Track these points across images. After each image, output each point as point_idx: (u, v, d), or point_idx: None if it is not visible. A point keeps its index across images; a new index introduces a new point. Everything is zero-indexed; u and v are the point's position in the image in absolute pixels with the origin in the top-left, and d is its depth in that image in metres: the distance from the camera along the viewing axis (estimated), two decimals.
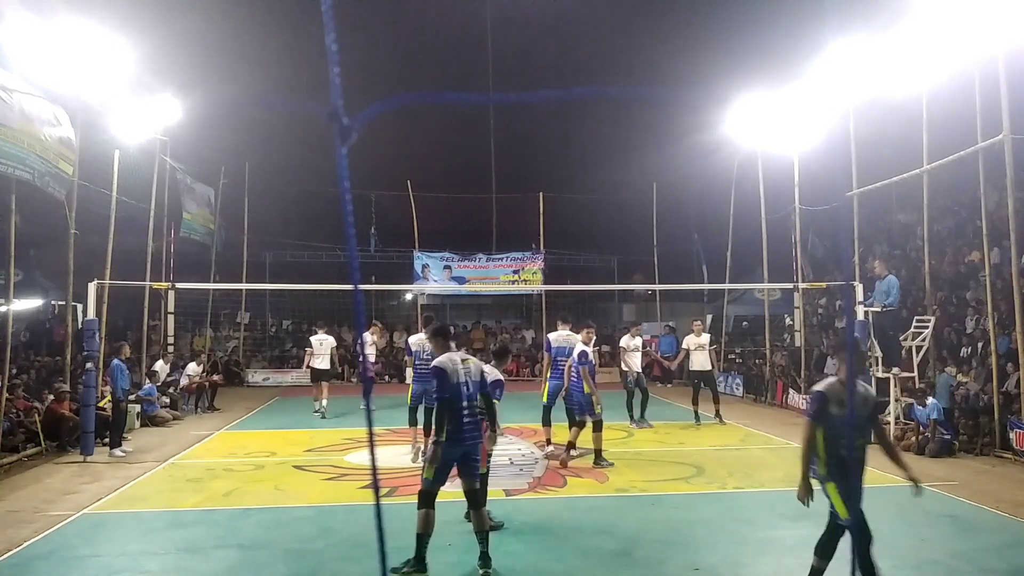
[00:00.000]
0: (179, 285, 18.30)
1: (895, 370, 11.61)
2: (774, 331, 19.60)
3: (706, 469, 9.56)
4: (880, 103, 13.86)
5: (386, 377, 22.75)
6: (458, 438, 5.65)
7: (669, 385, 20.20)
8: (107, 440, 10.90)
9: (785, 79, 14.76)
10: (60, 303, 20.24)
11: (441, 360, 5.83)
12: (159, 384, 14.75)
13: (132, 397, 12.76)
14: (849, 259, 13.88)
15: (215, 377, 17.37)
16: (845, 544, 4.64)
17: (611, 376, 18.69)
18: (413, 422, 10.05)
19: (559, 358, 10.36)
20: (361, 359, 16.91)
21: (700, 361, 13.72)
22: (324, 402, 14.95)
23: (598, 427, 9.67)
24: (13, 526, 7.00)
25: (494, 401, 6.85)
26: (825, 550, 4.81)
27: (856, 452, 4.61)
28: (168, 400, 14.83)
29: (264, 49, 20.86)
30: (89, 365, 10.67)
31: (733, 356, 21.32)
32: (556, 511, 7.59)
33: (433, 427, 5.72)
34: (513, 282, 24.22)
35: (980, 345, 13.33)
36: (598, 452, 9.71)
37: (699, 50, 21.61)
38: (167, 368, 15.98)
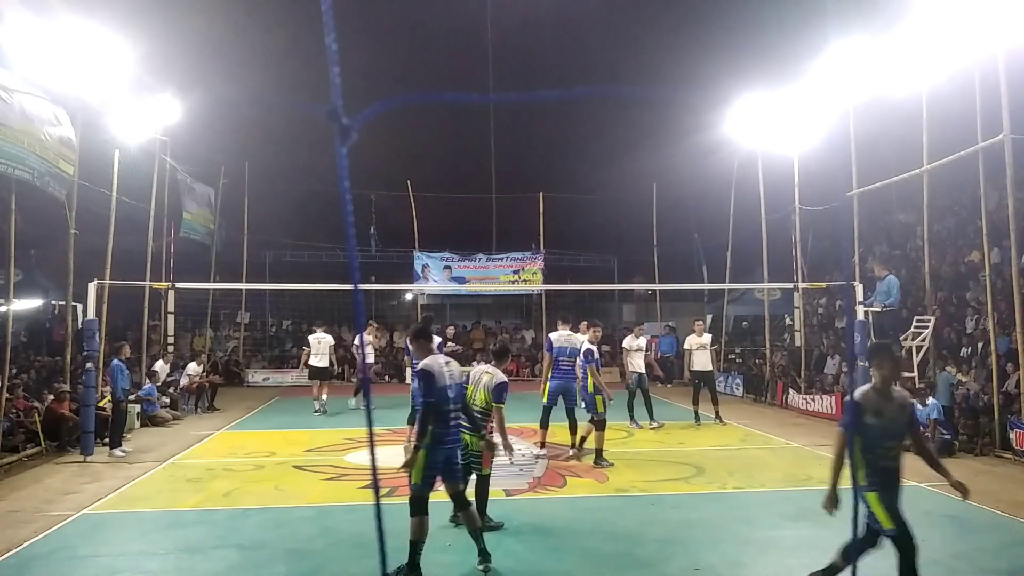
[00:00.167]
0: (179, 285, 18.30)
1: None
2: (774, 331, 19.60)
3: (706, 469, 9.56)
4: (880, 103, 13.86)
5: (386, 377, 22.76)
6: (443, 441, 5.59)
7: (669, 385, 20.20)
8: (107, 440, 10.90)
9: (785, 79, 14.77)
10: (60, 303, 20.25)
11: (427, 363, 5.70)
12: (159, 384, 14.76)
13: (132, 397, 12.75)
14: (849, 259, 13.90)
15: (215, 377, 17.37)
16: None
17: (611, 376, 18.68)
18: (413, 421, 10.04)
19: (560, 358, 10.35)
20: (361, 359, 16.94)
21: (702, 361, 13.69)
22: (324, 397, 15.23)
23: (600, 427, 9.68)
24: (13, 526, 7.00)
25: (502, 407, 6.86)
26: (850, 554, 4.66)
27: (893, 461, 4.57)
28: (168, 400, 14.83)
29: (264, 49, 20.85)
30: (89, 365, 10.67)
31: (733, 356, 21.32)
32: (556, 511, 7.59)
33: (416, 431, 5.59)
34: (513, 282, 24.22)
35: (980, 345, 13.33)
36: (598, 452, 9.71)
37: (699, 50, 21.62)
38: (167, 368, 15.98)
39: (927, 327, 11.96)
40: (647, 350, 13.84)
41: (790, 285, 17.61)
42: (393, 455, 10.00)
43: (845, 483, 4.58)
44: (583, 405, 10.14)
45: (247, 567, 5.94)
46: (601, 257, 27.77)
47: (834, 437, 4.73)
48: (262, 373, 22.78)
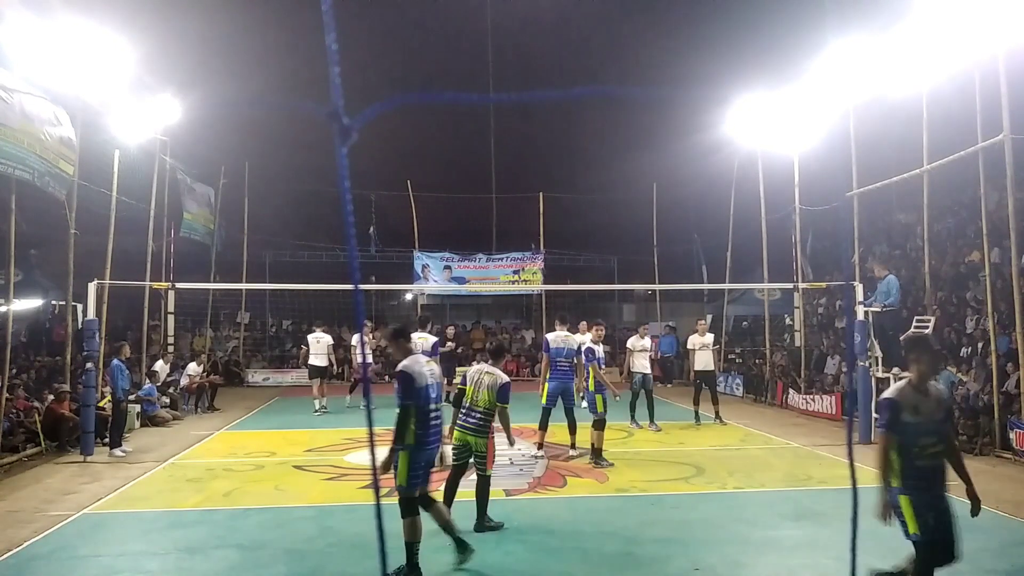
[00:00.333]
0: (179, 285, 18.30)
1: (895, 370, 11.60)
2: (774, 331, 19.59)
3: (706, 469, 9.56)
4: (880, 103, 13.85)
5: (386, 377, 22.73)
6: (426, 443, 5.55)
7: (669, 385, 20.20)
8: (107, 440, 10.90)
9: (785, 79, 14.76)
10: (60, 303, 20.23)
11: (406, 364, 5.61)
12: (159, 384, 14.76)
13: (132, 397, 12.75)
14: (849, 259, 13.89)
15: (215, 377, 17.37)
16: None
17: (611, 376, 18.64)
18: None
19: (558, 359, 10.34)
20: (362, 360, 16.97)
21: (704, 361, 13.64)
22: (324, 401, 15.45)
23: (599, 426, 9.66)
24: (13, 526, 7.00)
25: (507, 407, 6.86)
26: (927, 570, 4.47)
27: (931, 460, 4.37)
28: (168, 400, 14.83)
29: (264, 49, 20.86)
30: (89, 365, 10.67)
31: (733, 356, 21.32)
32: (556, 511, 7.58)
33: (394, 433, 5.48)
34: (513, 282, 24.22)
35: (980, 345, 13.32)
36: (598, 451, 9.70)
37: (699, 50, 21.63)
38: (167, 368, 15.99)
39: (927, 327, 11.95)
40: (656, 351, 13.69)
41: (790, 285, 17.60)
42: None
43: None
44: (584, 404, 10.13)
45: (247, 567, 5.94)
46: (601, 257, 27.77)
47: (877, 440, 4.46)
48: (262, 373, 22.78)
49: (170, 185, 18.27)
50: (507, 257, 24.26)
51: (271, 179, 24.43)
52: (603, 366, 10.04)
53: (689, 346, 14.10)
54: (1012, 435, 10.03)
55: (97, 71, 12.17)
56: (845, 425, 11.75)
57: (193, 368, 16.14)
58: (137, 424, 13.08)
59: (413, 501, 5.51)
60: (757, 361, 19.76)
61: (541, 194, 24.13)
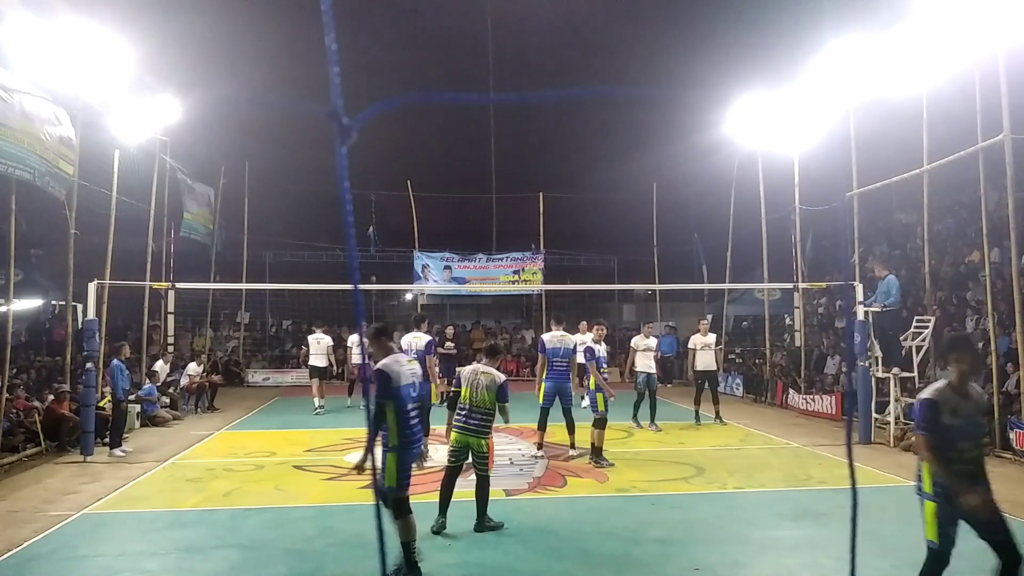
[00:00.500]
0: (179, 285, 18.29)
1: (895, 370, 11.61)
2: (774, 331, 19.59)
3: (706, 469, 9.56)
4: (880, 103, 13.85)
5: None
6: (411, 442, 5.56)
7: (669, 385, 20.20)
8: (107, 440, 10.89)
9: (785, 79, 14.76)
10: (60, 303, 20.22)
11: (384, 363, 5.60)
12: (159, 384, 14.76)
13: (132, 397, 12.75)
14: (849, 259, 13.88)
15: (215, 377, 17.37)
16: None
17: (611, 376, 18.65)
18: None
19: (554, 359, 10.33)
20: (362, 360, 17.03)
21: (706, 361, 13.59)
22: (324, 401, 15.57)
23: (599, 425, 9.66)
24: (13, 526, 7.00)
25: (508, 404, 6.86)
26: None
27: (967, 465, 4.21)
28: (168, 400, 14.83)
29: (264, 49, 20.86)
30: (89, 365, 10.66)
31: (733, 356, 21.32)
32: (556, 511, 7.58)
33: (368, 432, 5.35)
34: (513, 282, 24.21)
35: (980, 345, 13.32)
36: (599, 450, 9.69)
37: (699, 50, 21.63)
38: (167, 368, 15.99)
39: (927, 327, 11.96)
40: (656, 350, 13.50)
41: (790, 285, 17.60)
42: None
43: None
44: (585, 403, 10.12)
45: (247, 567, 5.94)
46: (601, 257, 27.78)
47: (917, 443, 4.29)
48: (262, 373, 22.78)
49: (170, 185, 18.26)
50: (507, 257, 24.25)
51: (271, 179, 24.45)
52: (604, 366, 10.02)
53: (691, 345, 14.06)
54: (1012, 435, 10.03)
55: (97, 71, 12.17)
56: (845, 425, 11.76)
57: (193, 368, 16.15)
58: (137, 424, 13.08)
59: (404, 501, 5.52)
60: (757, 361, 19.76)
61: (541, 194, 24.13)
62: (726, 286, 21.21)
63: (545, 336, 10.67)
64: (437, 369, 12.26)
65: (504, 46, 23.19)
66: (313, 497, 8.22)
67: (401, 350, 10.83)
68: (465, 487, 6.89)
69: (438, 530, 6.49)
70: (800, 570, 5.88)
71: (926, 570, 4.34)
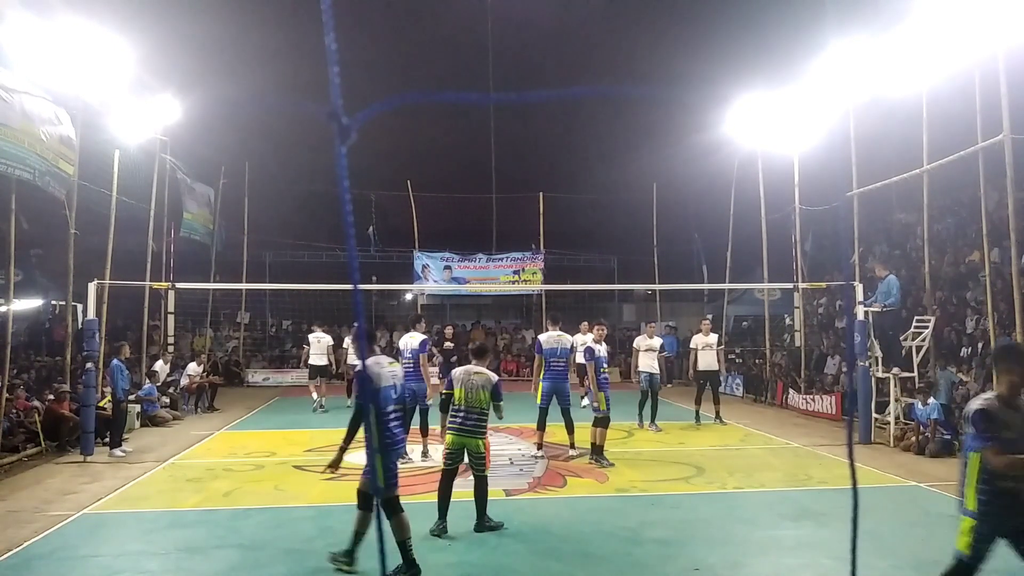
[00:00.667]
0: (179, 285, 18.30)
1: (895, 370, 11.61)
2: (774, 331, 19.59)
3: (706, 469, 9.56)
4: (880, 103, 13.85)
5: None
6: (393, 443, 5.61)
7: (669, 385, 20.18)
8: (107, 440, 10.89)
9: (785, 79, 14.77)
10: (60, 303, 20.23)
11: (366, 364, 5.75)
12: (159, 384, 14.76)
13: (132, 397, 12.75)
14: (849, 259, 13.88)
15: (215, 377, 17.38)
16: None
17: (611, 376, 18.65)
18: (406, 425, 10.10)
19: (552, 359, 10.31)
20: (362, 360, 17.05)
21: (707, 361, 13.58)
22: (323, 400, 15.68)
23: (600, 424, 9.66)
24: (13, 526, 7.00)
25: (502, 403, 6.87)
26: None
27: (1009, 481, 3.96)
28: (168, 400, 14.83)
29: (264, 49, 20.86)
30: (89, 365, 10.66)
31: (733, 356, 21.32)
32: (556, 511, 7.58)
33: (347, 431, 5.61)
34: (513, 282, 24.21)
35: (980, 345, 13.32)
36: (599, 448, 9.69)
37: (699, 50, 21.63)
38: (167, 368, 16.00)
39: (927, 327, 11.95)
40: (661, 351, 13.37)
41: (790, 285, 17.61)
42: None
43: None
44: (585, 403, 10.11)
45: (247, 567, 5.94)
46: (601, 257, 27.78)
47: (986, 457, 4.01)
48: (262, 373, 22.78)
49: (170, 185, 18.27)
50: (507, 257, 24.26)
51: (271, 179, 24.46)
52: (605, 366, 10.02)
53: (693, 345, 14.06)
54: None
55: (97, 71, 12.17)
56: (845, 425, 11.76)
57: (193, 368, 16.15)
58: (137, 424, 13.08)
59: (396, 499, 5.56)
60: (757, 361, 19.76)
61: (541, 194, 24.13)
62: (726, 286, 21.21)
63: (542, 336, 10.65)
64: (437, 368, 12.27)
65: (504, 46, 23.20)
66: (313, 497, 8.21)
67: (398, 351, 10.89)
68: (464, 487, 6.89)
69: (439, 533, 6.48)
70: (800, 570, 5.88)
71: None
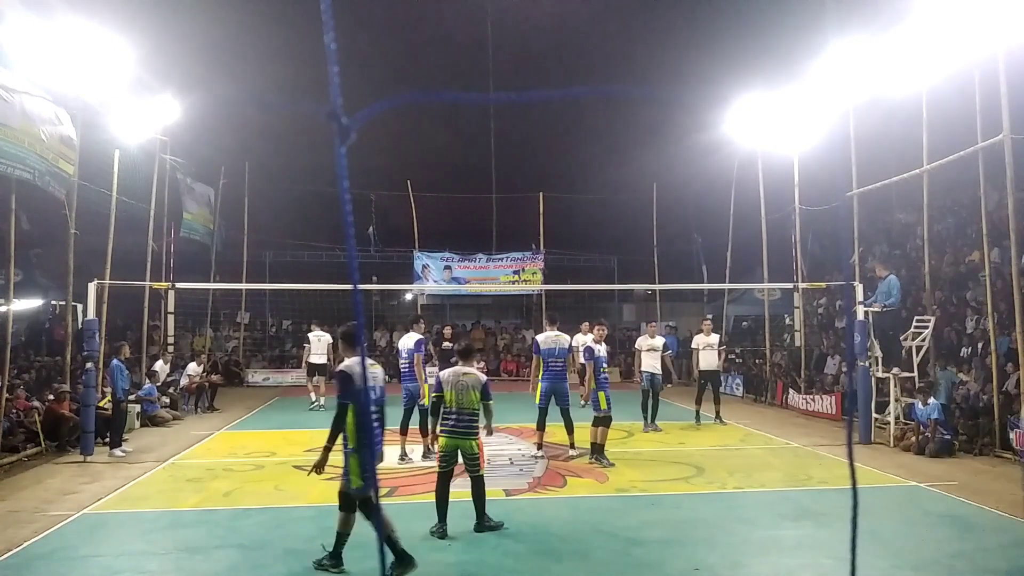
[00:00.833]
0: (179, 285, 18.31)
1: (895, 370, 11.61)
2: (774, 331, 19.59)
3: (706, 469, 9.55)
4: (880, 103, 13.85)
5: (386, 377, 22.74)
6: (370, 442, 5.61)
7: (669, 385, 20.15)
8: (107, 440, 10.89)
9: (785, 79, 14.76)
10: (60, 303, 20.21)
11: (347, 364, 5.74)
12: (159, 384, 14.76)
13: (132, 397, 12.75)
14: (849, 259, 13.88)
15: (215, 377, 17.38)
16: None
17: (611, 376, 18.64)
18: (404, 426, 10.09)
19: (550, 359, 10.30)
20: (361, 360, 17.08)
21: (708, 361, 13.59)
22: (322, 400, 15.65)
23: (600, 423, 9.66)
24: (13, 526, 7.00)
25: (491, 402, 6.87)
26: None
27: None
28: (168, 400, 14.83)
29: (264, 49, 20.85)
30: (89, 365, 10.66)
31: (733, 356, 21.31)
32: (556, 511, 7.58)
33: (330, 431, 5.68)
34: (513, 282, 24.22)
35: (980, 345, 13.32)
36: (600, 447, 9.69)
37: (699, 50, 21.62)
38: (167, 368, 16.00)
39: (927, 327, 11.95)
40: (665, 350, 13.34)
41: (790, 285, 17.61)
42: (393, 455, 10.02)
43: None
44: (584, 403, 10.09)
45: (247, 567, 5.94)
46: (601, 257, 27.77)
47: None
48: (262, 373, 22.78)
49: (170, 185, 18.27)
50: (507, 257, 24.26)
51: (271, 179, 24.44)
52: (605, 366, 10.02)
53: (695, 345, 14.06)
54: (1012, 435, 10.02)
55: (97, 71, 12.17)
56: (845, 425, 11.76)
57: (193, 368, 16.16)
58: (137, 424, 13.08)
59: (371, 499, 5.60)
60: (757, 361, 19.76)
61: (541, 194, 24.14)
62: (726, 286, 21.20)
63: (540, 337, 10.63)
64: (437, 368, 12.27)
65: (504, 45, 23.20)
66: (313, 497, 8.20)
67: (397, 351, 10.89)
68: (463, 488, 6.88)
69: (440, 536, 6.48)
70: (800, 570, 5.88)
71: None
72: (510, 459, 10.15)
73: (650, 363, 12.77)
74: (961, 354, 13.84)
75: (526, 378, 22.19)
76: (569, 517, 7.34)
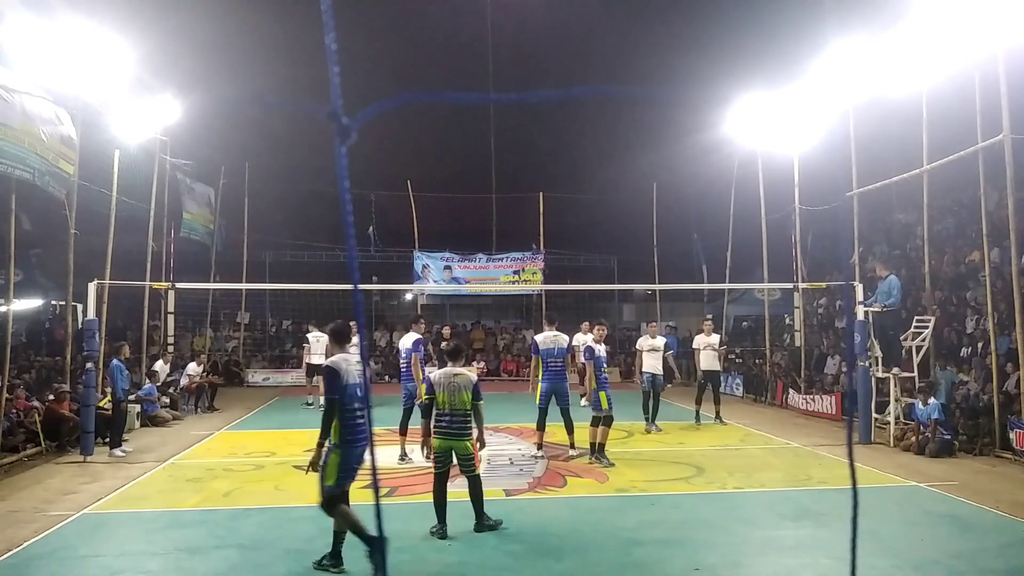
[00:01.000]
0: (179, 285, 18.30)
1: (895, 370, 11.61)
2: (774, 331, 19.59)
3: (706, 469, 9.56)
4: (880, 103, 13.85)
5: (386, 377, 22.77)
6: (354, 441, 5.62)
7: (669, 385, 20.16)
8: (107, 440, 10.89)
9: (785, 79, 14.76)
10: (60, 303, 20.24)
11: (334, 360, 5.75)
12: (159, 384, 14.76)
13: (132, 397, 12.75)
14: (849, 259, 13.88)
15: (215, 377, 17.37)
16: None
17: (611, 376, 18.65)
18: (404, 426, 10.11)
19: (549, 359, 10.30)
20: (363, 359, 17.07)
21: (709, 361, 13.58)
22: (321, 400, 15.48)
23: (600, 423, 9.65)
24: (13, 526, 7.00)
25: (482, 403, 6.85)
26: None
27: None
28: (168, 400, 14.83)
29: (264, 49, 20.86)
30: (89, 365, 10.66)
31: (733, 356, 21.31)
32: (556, 511, 7.58)
33: (320, 428, 5.67)
34: (513, 282, 24.22)
35: (980, 345, 13.32)
36: (600, 446, 9.68)
37: (699, 50, 21.63)
38: (167, 368, 16.00)
39: (927, 327, 11.95)
40: (666, 350, 13.30)
41: (790, 285, 17.61)
42: (394, 455, 10.03)
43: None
44: (584, 403, 10.10)
45: (247, 567, 5.94)
46: (601, 257, 27.78)
47: None
48: (262, 373, 22.77)
49: (170, 185, 18.27)
50: (507, 257, 24.26)
51: (271, 179, 24.46)
52: (604, 366, 10.02)
53: (695, 345, 14.06)
54: (1012, 435, 10.03)
55: (97, 71, 12.17)
56: (845, 425, 11.76)
57: (193, 368, 16.15)
58: (137, 424, 13.08)
59: (339, 498, 5.64)
60: (757, 361, 19.76)
61: (541, 194, 24.13)
62: (726, 286, 21.20)
63: (538, 337, 10.61)
64: (436, 367, 12.27)
65: (504, 45, 23.22)
66: (313, 497, 8.12)
67: (397, 351, 10.89)
68: (461, 488, 6.87)
69: (440, 536, 6.48)
70: (800, 570, 5.88)
71: None
72: (510, 459, 10.15)
73: (651, 363, 12.74)
74: (961, 354, 13.84)
75: (526, 378, 22.22)
76: (569, 517, 7.34)
